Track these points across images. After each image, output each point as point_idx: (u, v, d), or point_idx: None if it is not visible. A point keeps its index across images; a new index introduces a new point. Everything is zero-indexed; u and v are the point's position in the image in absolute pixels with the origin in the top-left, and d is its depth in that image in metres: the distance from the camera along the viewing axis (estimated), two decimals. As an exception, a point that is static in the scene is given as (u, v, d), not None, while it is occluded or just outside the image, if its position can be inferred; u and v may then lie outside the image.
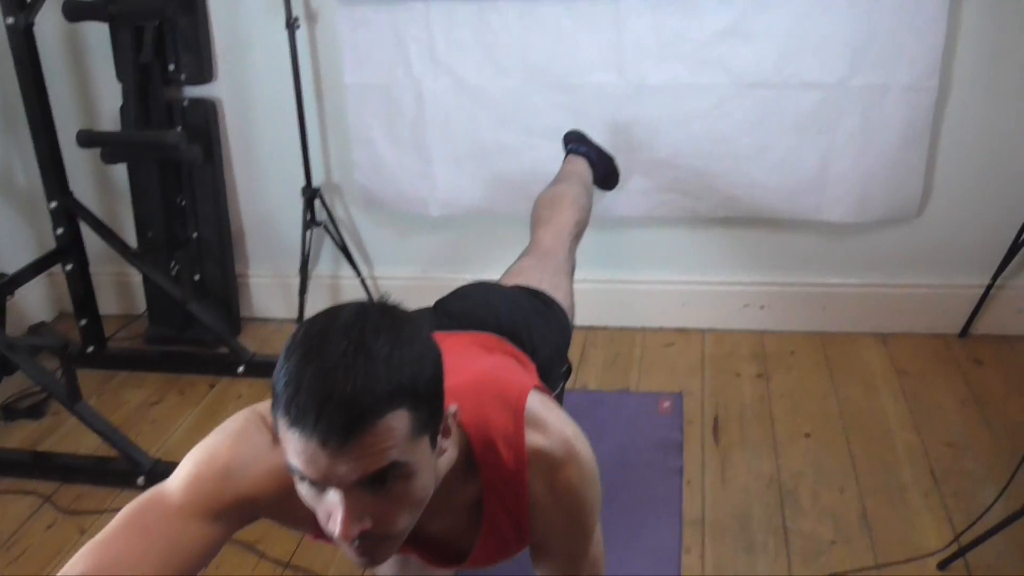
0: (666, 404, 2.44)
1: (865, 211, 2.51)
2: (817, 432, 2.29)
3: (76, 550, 2.03)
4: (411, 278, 2.89)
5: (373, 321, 0.92)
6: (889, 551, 1.90)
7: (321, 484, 0.92)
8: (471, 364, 1.28)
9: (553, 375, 1.58)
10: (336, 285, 2.95)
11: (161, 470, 2.26)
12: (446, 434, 1.03)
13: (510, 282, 1.75)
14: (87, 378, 2.63)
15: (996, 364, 2.51)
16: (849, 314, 2.68)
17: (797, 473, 2.15)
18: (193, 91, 2.75)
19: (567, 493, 1.17)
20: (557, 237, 1.91)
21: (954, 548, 1.86)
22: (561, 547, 1.22)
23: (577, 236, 2.00)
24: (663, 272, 2.75)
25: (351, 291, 2.91)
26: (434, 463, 1.00)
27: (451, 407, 1.03)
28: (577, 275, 2.72)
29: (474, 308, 1.58)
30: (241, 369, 2.73)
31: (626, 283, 2.76)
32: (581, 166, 2.26)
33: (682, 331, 2.80)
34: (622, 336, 2.79)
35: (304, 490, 0.95)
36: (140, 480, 2.24)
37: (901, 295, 2.64)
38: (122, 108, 2.74)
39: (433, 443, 0.98)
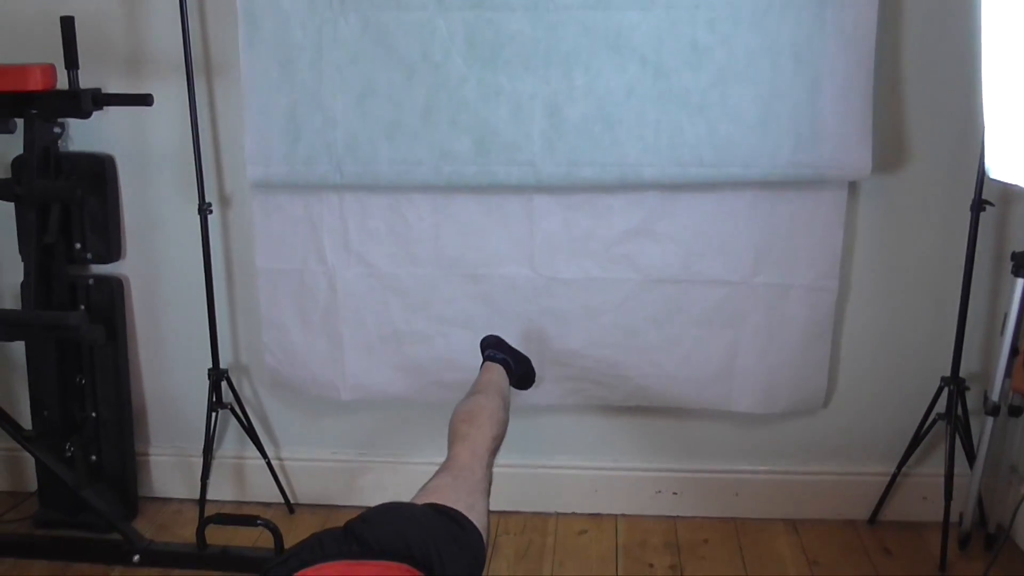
0: (580, 599, 2.38)
1: (772, 403, 2.55)
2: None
3: None
4: (320, 460, 2.81)
5: None
6: None
7: None
8: None
9: None
10: (240, 465, 2.85)
11: None
12: None
13: (424, 500, 1.71)
14: (-34, 569, 2.46)
15: (904, 554, 2.52)
16: (761, 501, 2.69)
17: None
18: (99, 269, 2.69)
19: None
20: (474, 454, 1.89)
21: None
22: None
23: (494, 451, 1.98)
24: (576, 458, 2.74)
25: (256, 471, 2.81)
26: None
27: None
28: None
29: (385, 536, 1.53)
30: (136, 558, 2.58)
31: (540, 467, 2.74)
32: (497, 375, 2.26)
33: (595, 517, 2.76)
34: (535, 522, 2.75)
35: None
36: None
37: (810, 482, 2.67)
38: (23, 284, 2.66)
39: None
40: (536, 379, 2.46)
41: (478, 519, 1.68)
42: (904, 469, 2.57)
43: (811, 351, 2.51)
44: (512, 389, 2.30)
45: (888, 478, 2.59)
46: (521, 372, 2.37)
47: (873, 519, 2.66)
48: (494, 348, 2.34)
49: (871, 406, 2.60)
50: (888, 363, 2.56)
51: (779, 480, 2.68)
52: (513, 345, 2.41)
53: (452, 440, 1.95)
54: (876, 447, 2.62)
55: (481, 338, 2.40)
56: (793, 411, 2.59)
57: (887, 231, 2.46)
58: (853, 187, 2.41)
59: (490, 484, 1.89)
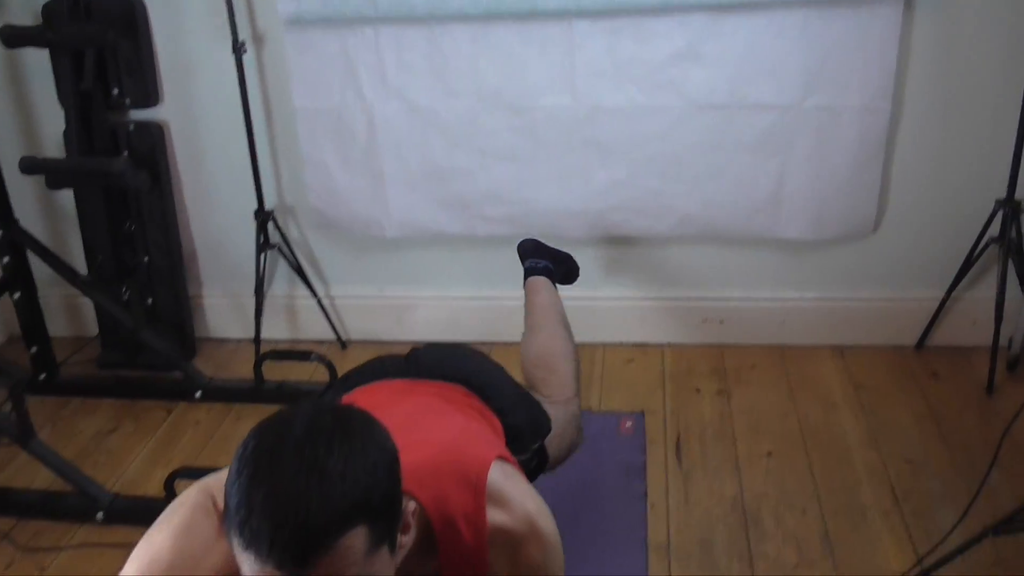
0: (628, 424, 2.44)
1: (821, 229, 2.52)
2: (779, 450, 2.31)
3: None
4: (368, 297, 2.86)
5: (325, 435, 0.90)
6: (853, 572, 1.92)
7: None
8: (432, 433, 1.26)
9: (523, 441, 1.56)
10: (292, 305, 2.91)
11: (120, 506, 2.23)
12: (405, 530, 1.01)
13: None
14: (40, 406, 2.57)
15: (951, 377, 2.54)
16: (807, 327, 2.70)
17: (760, 494, 2.16)
18: (138, 115, 2.68)
19: (529, 569, 1.16)
20: (563, 393, 1.86)
21: (916, 570, 1.89)
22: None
23: (578, 377, 1.95)
24: (622, 288, 2.75)
25: (307, 310, 2.87)
26: (394, 564, 0.98)
27: (410, 504, 1.01)
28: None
29: (446, 362, 1.56)
30: (198, 395, 2.69)
31: (587, 299, 2.75)
32: (547, 294, 2.17)
33: (641, 346, 2.80)
34: (582, 352, 2.75)
35: None
36: (99, 516, 2.21)
37: (858, 308, 2.67)
38: (65, 133, 2.66)
39: (392, 547, 0.96)
40: (579, 270, 2.37)
41: (554, 415, 1.69)
42: (954, 294, 2.55)
43: (862, 175, 2.45)
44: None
45: (937, 303, 2.58)
46: (563, 271, 2.30)
47: (921, 344, 2.66)
48: (533, 256, 2.24)
49: (922, 231, 2.55)
50: (941, 186, 2.49)
51: (826, 307, 2.67)
52: (556, 179, 2.36)
53: (532, 387, 1.89)
54: (926, 272, 2.59)
55: (517, 243, 2.31)
56: (842, 237, 2.56)
57: (943, 49, 2.35)
58: (909, 3, 2.29)
59: (577, 416, 1.86)
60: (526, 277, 2.22)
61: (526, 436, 1.57)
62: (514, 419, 1.51)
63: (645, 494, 2.19)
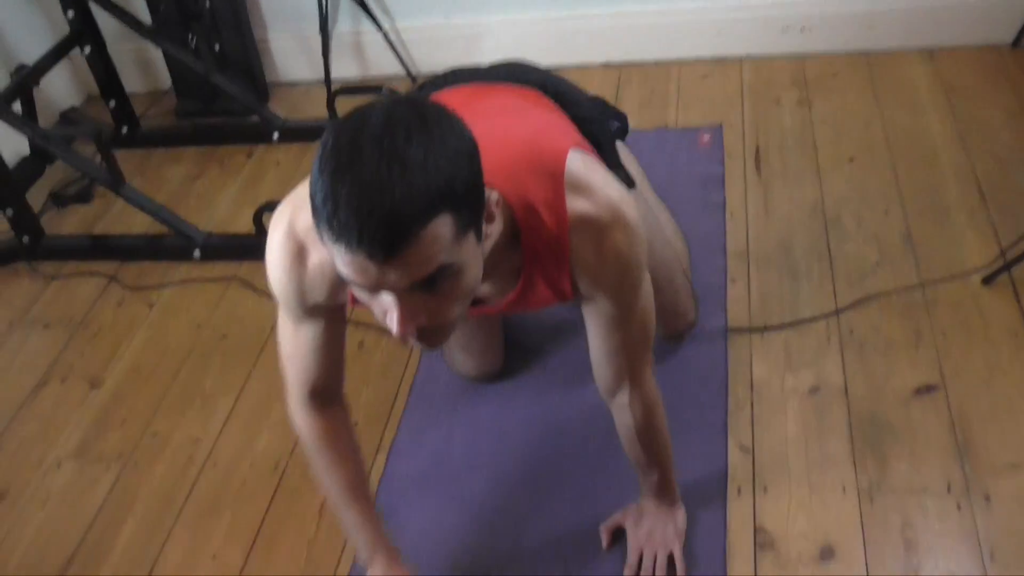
0: (706, 138, 2.40)
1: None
2: (861, 156, 2.26)
3: (148, 323, 2.15)
4: (434, 27, 2.80)
5: (403, 126, 0.89)
6: (934, 269, 1.92)
7: (373, 289, 0.94)
8: (511, 128, 1.26)
9: (601, 128, 1.53)
10: (358, 42, 2.86)
11: (215, 243, 2.33)
12: (489, 220, 1.02)
13: None
14: (125, 159, 2.64)
15: (1048, 81, 2.42)
16: (895, 31, 2.56)
17: (841, 199, 2.14)
18: None
19: (614, 257, 1.17)
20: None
21: (999, 263, 1.88)
22: (610, 304, 1.24)
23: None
24: (696, 0, 2.62)
25: (374, 46, 2.83)
26: (481, 252, 1.01)
27: (492, 194, 1.02)
28: (605, 9, 2.61)
29: (520, 68, 1.54)
30: (276, 136, 2.72)
31: (659, 14, 2.65)
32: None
33: (719, 61, 2.71)
34: (657, 71, 2.71)
35: (357, 292, 0.97)
36: (196, 254, 2.31)
37: (949, 6, 2.50)
38: None
39: (479, 235, 0.98)
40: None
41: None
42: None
43: None
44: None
45: (1037, -7, 2.42)
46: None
47: (1017, 42, 2.51)
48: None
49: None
50: None
51: (916, 7, 2.52)
52: None
53: None
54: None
55: None
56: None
57: None
58: None
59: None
60: None
61: (604, 146, 1.55)
62: (587, 111, 1.49)
63: (724, 204, 2.19)
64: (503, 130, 1.24)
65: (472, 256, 0.97)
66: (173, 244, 2.35)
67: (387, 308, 0.96)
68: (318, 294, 1.20)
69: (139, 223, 2.44)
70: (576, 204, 1.14)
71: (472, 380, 1.87)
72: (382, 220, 0.86)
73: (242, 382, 1.97)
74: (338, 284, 1.17)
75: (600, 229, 1.15)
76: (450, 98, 1.41)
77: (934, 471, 1.55)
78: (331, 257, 0.92)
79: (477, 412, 1.81)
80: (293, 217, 1.16)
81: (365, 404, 1.86)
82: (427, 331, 1.00)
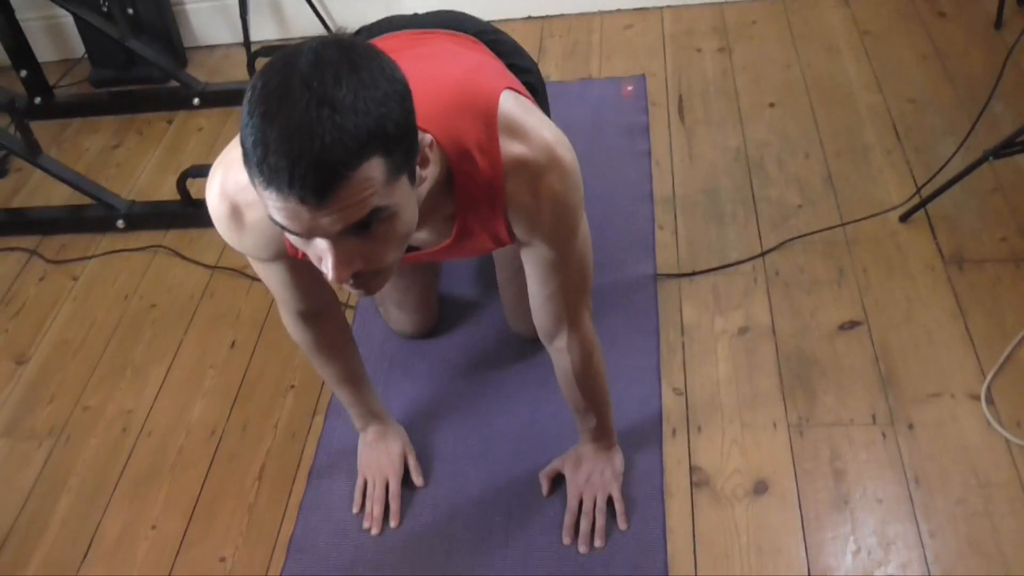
0: (629, 88, 2.42)
1: None
2: (781, 101, 2.30)
3: (73, 296, 2.11)
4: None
5: (332, 67, 0.87)
6: (854, 209, 1.97)
7: (307, 235, 0.93)
8: (444, 70, 1.24)
9: (539, 78, 1.53)
10: (276, 1, 2.81)
11: (139, 212, 2.28)
12: (424, 164, 1.01)
13: None
14: (41, 130, 2.56)
15: (958, 15, 2.47)
16: (811, -26, 2.60)
17: (763, 143, 2.18)
18: None
19: (551, 199, 1.17)
20: None
21: (915, 200, 1.94)
22: (547, 248, 1.24)
23: None
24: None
25: (294, 6, 2.78)
26: (415, 195, 1.00)
27: (426, 137, 1.01)
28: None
29: (455, 16, 1.53)
30: (196, 101, 2.67)
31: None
32: None
33: (640, 11, 2.72)
34: (579, 23, 2.72)
35: (292, 239, 0.96)
36: (120, 223, 2.26)
37: (863, -52, 2.55)
38: None
39: (412, 178, 0.97)
40: None
41: None
42: (965, -78, 2.43)
43: None
44: None
45: (947, -66, 2.47)
46: None
47: (928, -18, 2.57)
48: None
49: None
50: None
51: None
52: None
53: None
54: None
55: None
56: None
57: None
58: None
59: None
60: None
61: (541, 95, 1.55)
62: (529, 78, 1.49)
63: (649, 152, 2.21)
64: (436, 73, 1.22)
65: (406, 199, 0.97)
66: (95, 215, 2.29)
67: (322, 254, 0.95)
68: (262, 250, 1.21)
69: (58, 195, 2.38)
70: (510, 147, 1.13)
71: (408, 337, 1.87)
72: (312, 163, 0.85)
73: (174, 351, 1.94)
74: (278, 237, 1.16)
75: (535, 172, 1.14)
76: (384, 44, 1.39)
77: (860, 403, 1.61)
78: (264, 207, 0.91)
79: (413, 368, 1.82)
80: (224, 178, 1.14)
81: (301, 366, 1.85)
82: (363, 276, 1.00)
